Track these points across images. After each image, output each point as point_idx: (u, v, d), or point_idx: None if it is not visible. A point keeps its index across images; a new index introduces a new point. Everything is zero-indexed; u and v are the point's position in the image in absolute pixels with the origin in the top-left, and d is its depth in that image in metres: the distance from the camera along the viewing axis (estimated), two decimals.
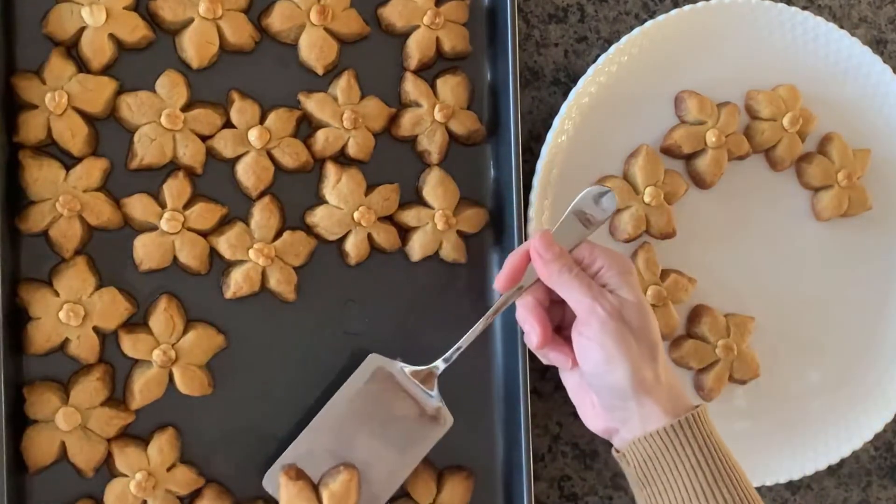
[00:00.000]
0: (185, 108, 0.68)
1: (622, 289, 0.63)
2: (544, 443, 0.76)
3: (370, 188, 0.70)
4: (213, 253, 0.68)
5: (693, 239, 0.76)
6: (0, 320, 0.63)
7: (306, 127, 0.70)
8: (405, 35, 0.72)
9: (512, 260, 0.66)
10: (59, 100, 0.65)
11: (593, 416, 0.65)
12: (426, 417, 0.68)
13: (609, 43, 0.75)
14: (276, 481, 0.67)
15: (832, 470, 0.81)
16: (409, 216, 0.71)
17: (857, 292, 0.79)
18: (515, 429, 0.71)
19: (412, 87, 0.71)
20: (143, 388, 0.66)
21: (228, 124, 0.69)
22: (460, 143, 0.73)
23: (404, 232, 0.72)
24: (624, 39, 0.74)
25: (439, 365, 0.68)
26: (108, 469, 0.66)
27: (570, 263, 0.63)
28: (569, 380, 0.67)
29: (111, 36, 0.66)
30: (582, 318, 0.62)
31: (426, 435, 0.69)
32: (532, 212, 0.72)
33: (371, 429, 0.68)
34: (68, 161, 0.66)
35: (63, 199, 0.65)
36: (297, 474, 0.66)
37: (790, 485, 0.80)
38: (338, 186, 0.69)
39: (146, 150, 0.67)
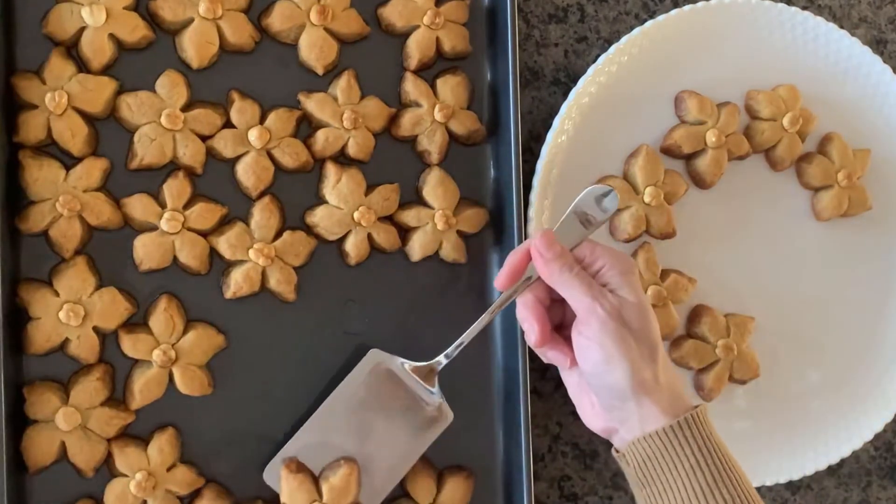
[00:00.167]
0: (185, 108, 0.68)
1: (623, 288, 0.63)
2: (544, 443, 0.76)
3: (370, 188, 0.70)
4: (213, 253, 0.68)
5: (693, 239, 0.76)
6: (0, 320, 0.63)
7: (306, 127, 0.70)
8: (405, 35, 0.72)
9: (513, 258, 0.66)
10: (59, 100, 0.65)
11: (593, 416, 0.65)
12: (426, 413, 0.68)
13: (609, 43, 0.75)
14: (276, 474, 0.67)
15: (832, 470, 0.81)
16: (409, 216, 0.71)
17: (857, 292, 0.79)
18: (515, 429, 0.71)
19: (412, 87, 0.71)
20: (143, 388, 0.66)
21: (228, 124, 0.69)
22: (460, 143, 0.73)
23: (404, 232, 0.72)
24: (624, 39, 0.74)
25: (441, 360, 0.68)
26: (108, 469, 0.66)
27: (571, 262, 0.63)
28: (569, 379, 0.67)
29: (111, 36, 0.66)
30: (582, 318, 0.62)
31: (426, 430, 0.69)
32: (532, 212, 0.72)
33: (371, 423, 0.68)
34: (68, 161, 0.66)
35: (63, 199, 0.65)
36: (298, 467, 0.66)
37: (790, 485, 0.80)
38: (338, 186, 0.69)
39: (146, 150, 0.67)
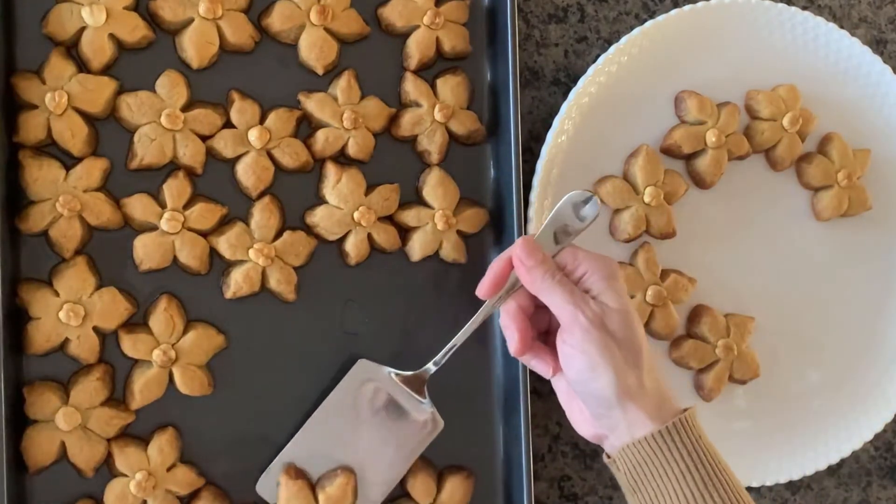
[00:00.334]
0: (185, 108, 0.68)
1: (605, 294, 0.62)
2: (544, 443, 0.76)
3: (370, 188, 0.70)
4: (213, 253, 0.68)
5: (693, 239, 0.76)
6: (0, 320, 0.63)
7: (306, 127, 0.70)
8: (405, 35, 0.72)
9: (495, 266, 0.65)
10: (59, 100, 0.65)
11: (582, 423, 0.65)
12: (417, 422, 0.69)
13: (609, 43, 0.75)
14: (270, 486, 0.67)
15: (832, 470, 0.81)
16: (409, 216, 0.71)
17: (857, 292, 0.79)
18: (515, 429, 0.71)
19: (412, 87, 0.71)
20: (143, 388, 0.66)
21: (228, 124, 0.69)
22: (460, 143, 0.73)
23: (404, 232, 0.72)
24: (624, 39, 0.74)
25: (430, 368, 0.68)
26: (108, 469, 0.66)
27: (553, 269, 0.63)
28: (558, 386, 0.66)
29: (111, 36, 0.66)
30: (565, 326, 0.62)
31: (417, 439, 0.69)
32: (532, 212, 0.72)
33: (363, 433, 0.68)
34: (68, 161, 0.66)
35: (63, 199, 0.65)
36: (297, 473, 0.66)
37: (790, 485, 0.80)
38: (338, 186, 0.69)
39: (146, 150, 0.67)
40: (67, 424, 0.65)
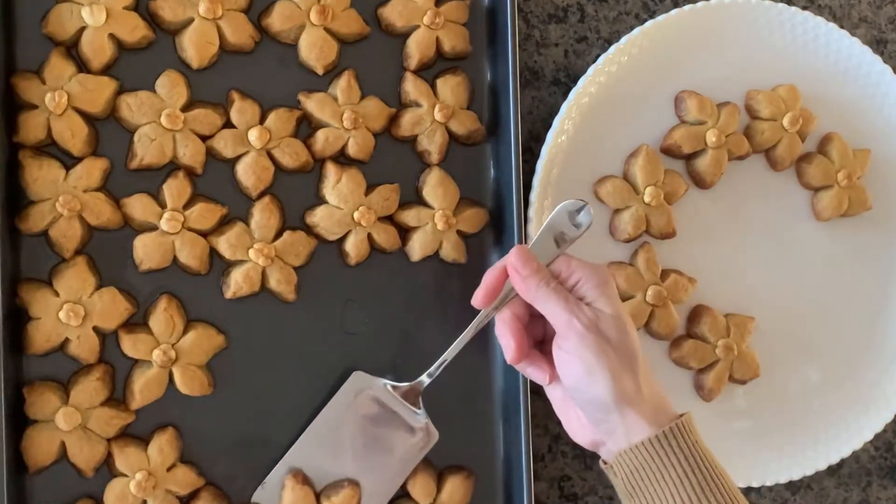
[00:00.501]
0: (185, 108, 0.68)
1: (599, 300, 0.63)
2: (544, 443, 0.76)
3: (370, 188, 0.70)
4: (213, 253, 0.68)
5: (693, 239, 0.76)
6: (0, 320, 0.63)
7: (306, 127, 0.70)
8: (405, 35, 0.72)
9: (490, 276, 0.66)
10: (59, 100, 0.65)
11: (580, 430, 0.65)
12: (411, 433, 0.69)
13: (609, 43, 0.75)
14: (267, 496, 0.67)
15: (832, 470, 0.81)
16: (409, 216, 0.71)
17: (857, 292, 0.79)
18: (515, 429, 0.71)
19: (412, 87, 0.71)
20: (143, 388, 0.66)
21: (228, 124, 0.69)
22: (460, 143, 0.73)
23: (404, 232, 0.72)
24: (624, 39, 0.74)
25: (424, 380, 0.68)
26: (108, 469, 0.66)
27: (548, 277, 0.63)
28: (553, 394, 0.67)
29: (111, 36, 0.66)
30: (560, 332, 0.62)
31: (412, 451, 0.69)
32: (532, 212, 0.72)
33: (359, 445, 0.68)
34: (68, 161, 0.66)
35: (63, 199, 0.65)
36: (304, 480, 0.66)
37: (790, 485, 0.80)
38: (338, 186, 0.69)
39: (146, 150, 0.67)
40: (67, 424, 0.65)
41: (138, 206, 0.67)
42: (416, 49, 0.71)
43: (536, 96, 0.77)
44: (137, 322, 0.67)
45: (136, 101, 0.67)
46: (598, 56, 0.74)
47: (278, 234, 0.69)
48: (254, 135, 0.68)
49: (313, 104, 0.70)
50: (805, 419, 0.77)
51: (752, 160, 0.77)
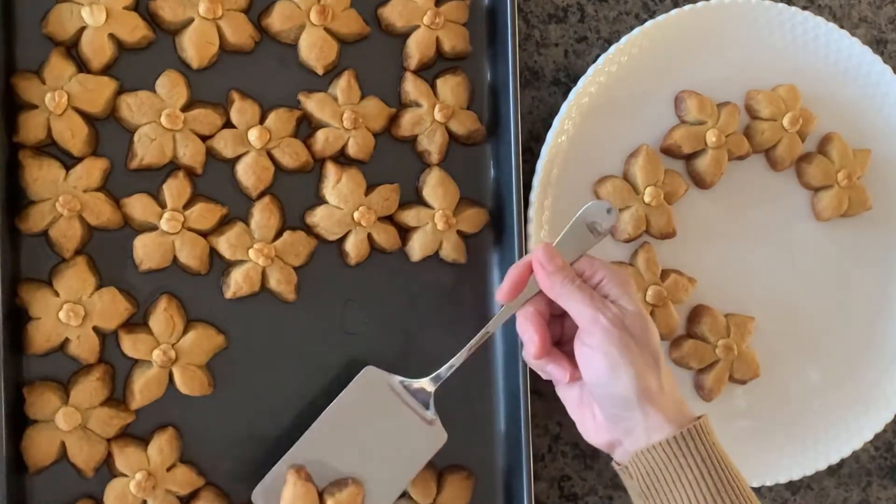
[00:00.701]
0: (185, 108, 0.68)
1: (622, 299, 0.63)
2: (544, 443, 0.76)
3: (370, 188, 0.70)
4: (213, 253, 0.68)
5: (693, 239, 0.76)
6: (0, 320, 0.63)
7: (306, 127, 0.70)
8: (405, 35, 0.72)
9: (514, 271, 0.66)
10: (59, 100, 0.65)
11: (595, 430, 0.65)
12: (421, 432, 0.68)
13: (609, 43, 0.75)
14: (267, 495, 0.66)
15: (832, 470, 0.81)
16: (409, 216, 0.71)
17: (857, 292, 0.79)
18: (515, 429, 0.71)
19: (412, 87, 0.71)
20: (143, 388, 0.66)
21: (228, 124, 0.69)
22: (460, 143, 0.73)
23: (404, 232, 0.72)
24: (624, 39, 0.74)
25: (438, 376, 0.68)
26: (108, 469, 0.66)
27: (572, 275, 0.64)
28: (568, 394, 0.67)
29: (111, 36, 0.66)
30: (585, 328, 0.62)
31: (420, 450, 0.68)
32: (532, 212, 0.72)
33: (367, 442, 0.68)
34: (68, 161, 0.66)
35: (63, 199, 0.65)
36: (307, 476, 0.66)
37: (790, 485, 0.80)
38: (338, 186, 0.69)
39: (146, 150, 0.67)
40: (67, 424, 0.65)
41: (138, 206, 0.67)
42: (416, 49, 0.71)
43: (536, 96, 0.77)
44: (137, 322, 0.67)
45: (136, 101, 0.67)
46: (598, 56, 0.74)
47: (278, 234, 0.69)
48: (254, 135, 0.68)
49: (313, 104, 0.70)
50: (805, 419, 0.77)
51: (752, 160, 0.77)
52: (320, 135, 0.70)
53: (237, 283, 0.68)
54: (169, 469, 0.67)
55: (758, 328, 0.76)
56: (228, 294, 0.68)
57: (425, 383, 0.68)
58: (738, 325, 0.75)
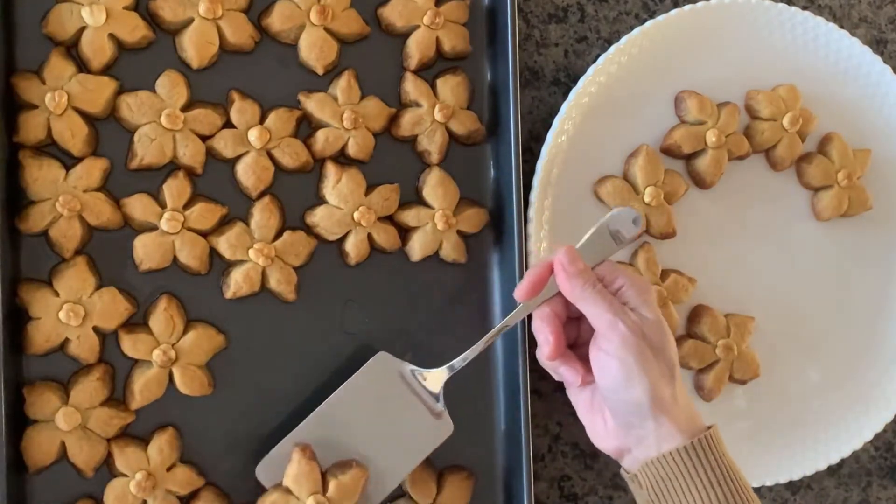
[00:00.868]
0: (185, 108, 0.68)
1: (642, 307, 0.63)
2: (544, 443, 0.76)
3: (370, 188, 0.70)
4: (213, 253, 0.68)
5: (693, 239, 0.76)
6: (0, 320, 0.63)
7: (306, 127, 0.70)
8: (405, 35, 0.72)
9: (534, 271, 0.66)
10: (59, 100, 0.65)
11: (605, 436, 0.65)
12: (429, 422, 0.68)
13: (609, 43, 0.75)
14: (270, 471, 0.66)
15: (832, 470, 0.81)
16: (409, 216, 0.71)
17: (857, 292, 0.79)
18: (515, 429, 0.71)
19: (412, 87, 0.71)
20: (143, 388, 0.66)
21: (228, 124, 0.69)
22: (460, 143, 0.73)
23: (404, 232, 0.72)
24: (624, 39, 0.74)
25: (446, 372, 0.68)
26: (108, 469, 0.66)
27: (594, 279, 0.64)
28: (579, 398, 0.66)
29: (111, 36, 0.66)
30: (602, 333, 0.62)
31: (426, 440, 0.68)
32: (532, 212, 0.72)
33: (374, 426, 0.68)
34: (68, 161, 0.66)
35: (63, 199, 0.65)
36: (312, 455, 0.66)
37: (790, 485, 0.80)
38: (338, 186, 0.69)
39: (146, 150, 0.67)
40: (67, 424, 0.65)
41: (138, 206, 0.67)
42: (416, 49, 0.71)
43: (536, 96, 0.77)
44: (137, 322, 0.67)
45: (136, 101, 0.67)
46: (598, 56, 0.74)
47: (278, 234, 0.69)
48: (254, 135, 0.68)
49: (313, 104, 0.70)
50: (805, 419, 0.77)
51: (752, 160, 0.77)
52: (320, 135, 0.70)
53: (237, 283, 0.68)
54: (169, 469, 0.67)
55: (758, 328, 0.76)
56: (228, 294, 0.68)
57: (437, 373, 0.68)
58: (738, 325, 0.75)
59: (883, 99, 0.79)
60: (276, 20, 0.69)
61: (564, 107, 0.73)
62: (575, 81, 0.74)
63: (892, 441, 0.82)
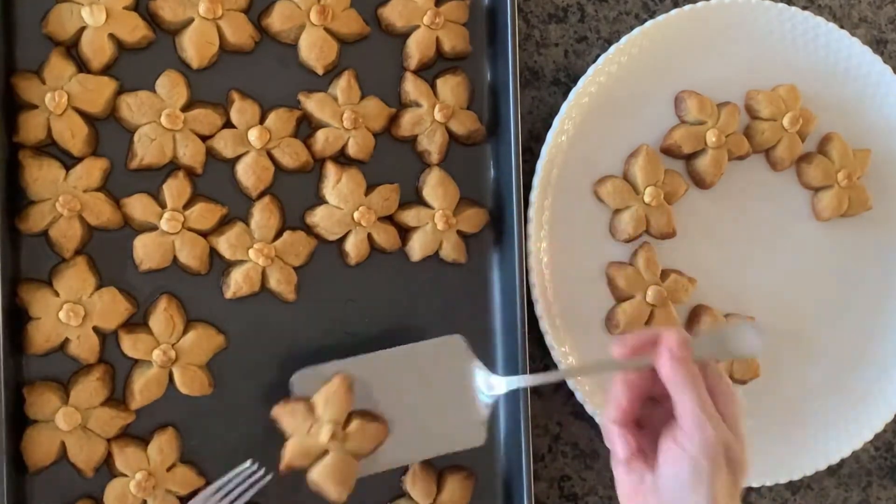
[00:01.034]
0: (185, 108, 0.68)
1: (733, 422, 0.61)
2: (544, 443, 0.76)
3: (370, 188, 0.70)
4: (213, 253, 0.68)
5: (693, 239, 0.76)
6: (0, 320, 0.63)
7: (306, 127, 0.70)
8: (405, 35, 0.72)
9: (641, 337, 0.63)
10: (59, 100, 0.65)
11: None
12: (467, 422, 0.67)
13: (609, 43, 0.75)
14: (304, 384, 0.65)
15: (832, 470, 0.81)
16: (409, 216, 0.71)
17: (857, 292, 0.79)
18: (515, 429, 0.71)
19: (412, 87, 0.71)
20: (143, 388, 0.66)
21: (228, 124, 0.69)
22: (460, 143, 0.73)
23: (404, 232, 0.72)
24: (624, 39, 0.74)
25: (505, 387, 0.66)
26: (108, 469, 0.66)
27: (696, 372, 0.61)
28: (626, 478, 0.63)
29: (111, 36, 0.67)
30: (686, 430, 0.59)
31: (456, 438, 0.67)
32: (532, 212, 0.72)
33: (415, 398, 0.66)
34: (68, 161, 0.66)
35: (63, 199, 0.65)
36: (349, 388, 0.65)
37: (790, 485, 0.80)
38: (338, 186, 0.69)
39: (146, 150, 0.67)
40: (67, 424, 0.65)
41: (138, 206, 0.67)
42: (416, 49, 0.71)
43: (536, 96, 0.77)
44: (137, 322, 0.67)
45: (136, 101, 0.67)
46: (598, 56, 0.74)
47: (278, 234, 0.69)
48: (254, 135, 0.68)
49: (313, 104, 0.70)
50: (805, 419, 0.77)
51: (752, 160, 0.77)
52: (320, 135, 0.70)
53: (237, 283, 0.68)
54: (169, 469, 0.67)
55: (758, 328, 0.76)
56: (228, 294, 0.68)
57: (502, 381, 0.66)
58: None
59: (883, 99, 0.79)
60: (276, 20, 0.69)
61: (564, 107, 0.73)
62: (575, 81, 0.74)
63: (892, 441, 0.82)
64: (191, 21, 0.68)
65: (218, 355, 0.68)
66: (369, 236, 0.70)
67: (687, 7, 0.75)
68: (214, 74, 0.69)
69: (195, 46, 0.68)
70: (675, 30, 0.75)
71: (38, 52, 0.66)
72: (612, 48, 0.74)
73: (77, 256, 0.66)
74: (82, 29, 0.66)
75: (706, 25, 0.75)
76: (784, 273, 0.78)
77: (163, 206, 0.67)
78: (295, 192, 0.70)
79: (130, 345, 0.66)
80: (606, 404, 0.63)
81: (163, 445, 0.66)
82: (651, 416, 0.63)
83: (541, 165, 0.72)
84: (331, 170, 0.70)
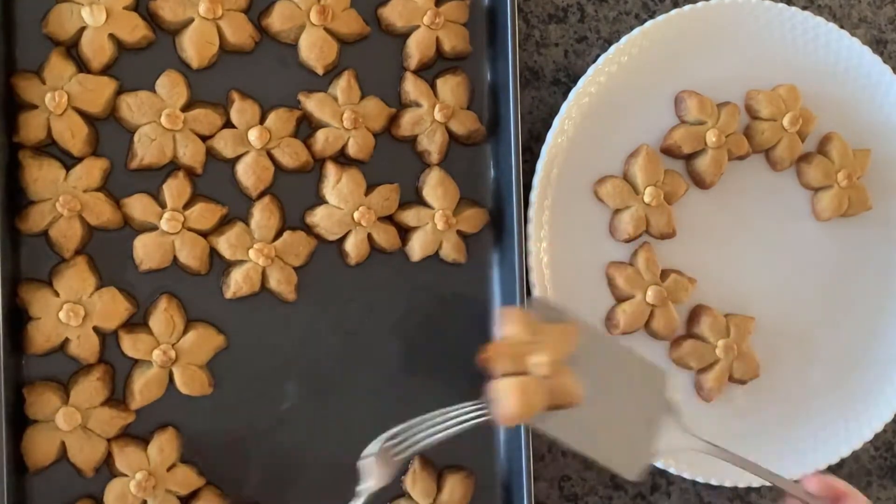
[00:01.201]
0: (185, 108, 0.68)
1: None
2: (544, 443, 0.76)
3: (370, 188, 0.70)
4: (213, 253, 0.68)
5: (693, 239, 0.76)
6: (0, 320, 0.63)
7: (306, 127, 0.70)
8: (405, 35, 0.72)
9: (831, 485, 0.64)
10: (59, 100, 0.65)
11: None
12: (636, 454, 0.64)
13: (609, 43, 0.75)
14: (542, 308, 0.65)
15: (832, 470, 0.81)
16: (409, 216, 0.71)
17: (857, 292, 0.79)
18: (515, 429, 0.70)
19: (412, 87, 0.71)
20: (143, 388, 0.66)
21: (228, 124, 0.69)
22: (460, 143, 0.73)
23: (404, 232, 0.72)
24: (624, 39, 0.74)
25: (685, 444, 0.65)
26: (108, 469, 0.66)
27: None
28: None
29: (111, 36, 0.67)
30: None
31: (617, 460, 0.64)
32: (532, 212, 0.72)
33: (610, 396, 0.64)
34: (68, 161, 0.66)
35: (63, 199, 0.65)
36: (574, 340, 0.63)
37: None
38: (338, 186, 0.69)
39: (146, 150, 0.67)
40: (67, 424, 0.65)
41: (138, 206, 0.67)
42: (416, 49, 0.71)
43: (536, 96, 0.77)
44: (137, 322, 0.67)
45: (136, 101, 0.67)
46: (598, 56, 0.74)
47: (278, 234, 0.69)
48: (254, 135, 0.68)
49: (313, 104, 0.70)
50: (805, 419, 0.77)
51: (752, 160, 0.77)
52: (320, 135, 0.70)
53: (237, 283, 0.68)
54: (169, 469, 0.67)
55: (758, 328, 0.76)
56: (228, 294, 0.68)
57: (679, 439, 0.64)
58: (738, 325, 0.75)
59: (883, 99, 0.79)
60: (276, 20, 0.69)
61: (564, 107, 0.73)
62: (575, 81, 0.74)
63: (892, 441, 0.82)
64: (191, 21, 0.68)
65: (218, 355, 0.68)
66: (369, 236, 0.70)
67: (687, 7, 0.75)
68: (214, 74, 0.69)
69: (195, 46, 0.68)
70: (675, 30, 0.75)
71: (38, 52, 0.66)
72: (612, 48, 0.74)
73: (77, 256, 0.66)
74: (82, 29, 0.66)
75: (706, 25, 0.75)
76: (784, 273, 0.78)
77: (163, 206, 0.67)
78: (295, 192, 0.70)
79: (130, 345, 0.66)
80: None
81: (163, 445, 0.66)
82: None
83: (541, 165, 0.72)
84: (331, 170, 0.70)
